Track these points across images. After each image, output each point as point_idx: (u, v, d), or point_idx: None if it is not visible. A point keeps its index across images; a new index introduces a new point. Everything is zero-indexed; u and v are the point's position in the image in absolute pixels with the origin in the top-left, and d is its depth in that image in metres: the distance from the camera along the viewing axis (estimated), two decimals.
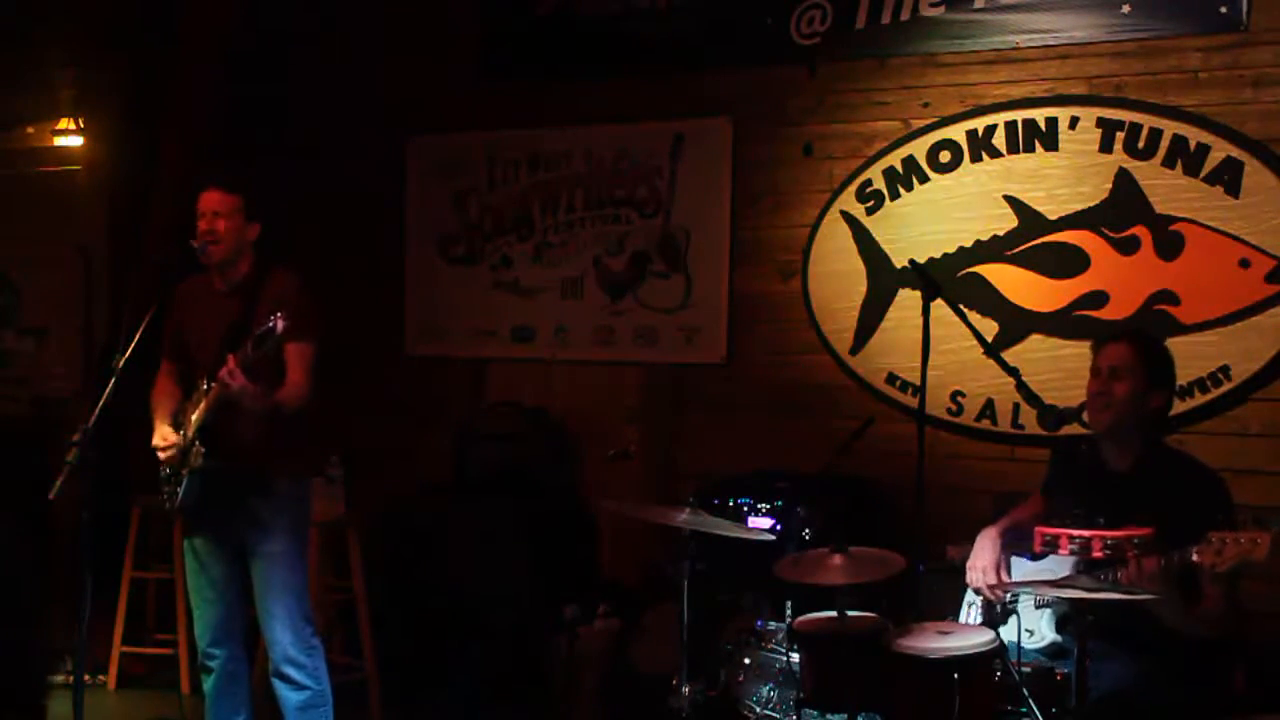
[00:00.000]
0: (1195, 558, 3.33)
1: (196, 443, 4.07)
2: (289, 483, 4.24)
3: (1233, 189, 4.66)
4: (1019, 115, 5.02)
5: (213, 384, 3.98)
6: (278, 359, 4.05)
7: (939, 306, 4.14)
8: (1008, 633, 3.77)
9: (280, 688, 4.25)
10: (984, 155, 5.08)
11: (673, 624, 4.20)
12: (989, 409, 5.06)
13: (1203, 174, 4.70)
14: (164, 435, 4.19)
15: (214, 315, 4.18)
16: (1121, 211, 4.84)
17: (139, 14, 6.04)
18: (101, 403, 3.84)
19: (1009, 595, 3.85)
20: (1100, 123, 4.87)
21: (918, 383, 4.09)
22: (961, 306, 4.31)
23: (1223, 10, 4.67)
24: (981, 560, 3.92)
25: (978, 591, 3.94)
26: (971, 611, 4.03)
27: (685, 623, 4.08)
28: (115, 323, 4.45)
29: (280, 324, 3.76)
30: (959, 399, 5.10)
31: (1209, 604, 3.52)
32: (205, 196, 4.20)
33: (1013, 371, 4.09)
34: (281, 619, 4.19)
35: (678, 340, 5.72)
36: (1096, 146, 4.88)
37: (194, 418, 4.09)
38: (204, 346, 4.15)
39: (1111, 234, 4.86)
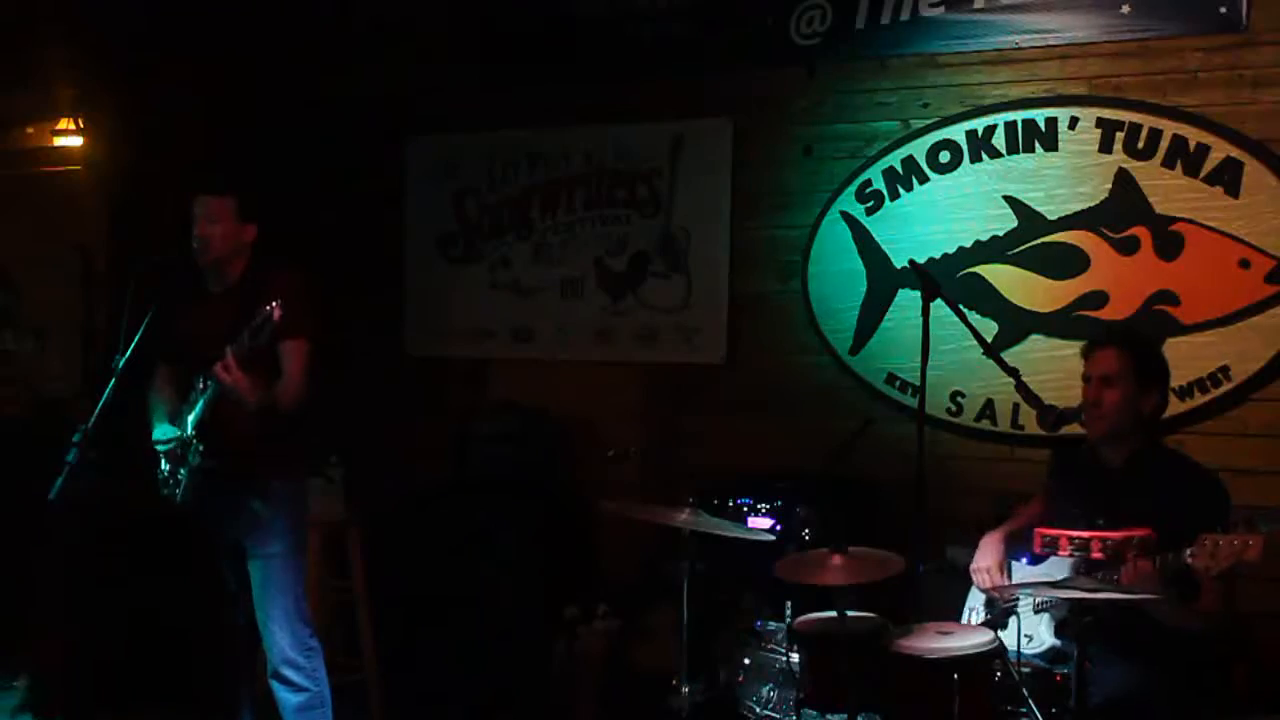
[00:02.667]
0: (1189, 560, 3.33)
1: (195, 441, 4.08)
2: (285, 483, 4.24)
3: (1233, 189, 4.66)
4: (1019, 115, 5.02)
5: (209, 381, 3.98)
6: (273, 356, 4.05)
7: (939, 306, 4.14)
8: (1007, 638, 3.77)
9: (278, 689, 4.25)
10: (984, 155, 5.08)
11: (673, 624, 4.20)
12: (989, 409, 5.06)
13: (1203, 174, 4.70)
14: (164, 433, 4.20)
15: (211, 316, 4.17)
16: (1121, 211, 4.84)
17: (139, 14, 6.04)
18: (101, 403, 3.84)
19: (1011, 597, 3.85)
20: (1100, 123, 4.87)
21: (918, 383, 4.10)
22: (961, 306, 4.31)
23: (1223, 10, 4.67)
24: (985, 561, 3.93)
25: (984, 591, 3.95)
26: (972, 616, 4.04)
27: (685, 623, 4.08)
28: (115, 323, 4.45)
29: (277, 312, 3.76)
30: (959, 399, 5.10)
31: (1207, 604, 3.53)
32: (196, 201, 4.20)
33: (1013, 372, 4.09)
34: (279, 620, 4.19)
35: (678, 340, 5.71)
36: (1096, 147, 4.87)
37: (190, 417, 4.09)
38: (202, 347, 4.14)
39: (1111, 234, 4.86)
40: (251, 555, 4.20)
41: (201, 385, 4.04)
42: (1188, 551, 3.33)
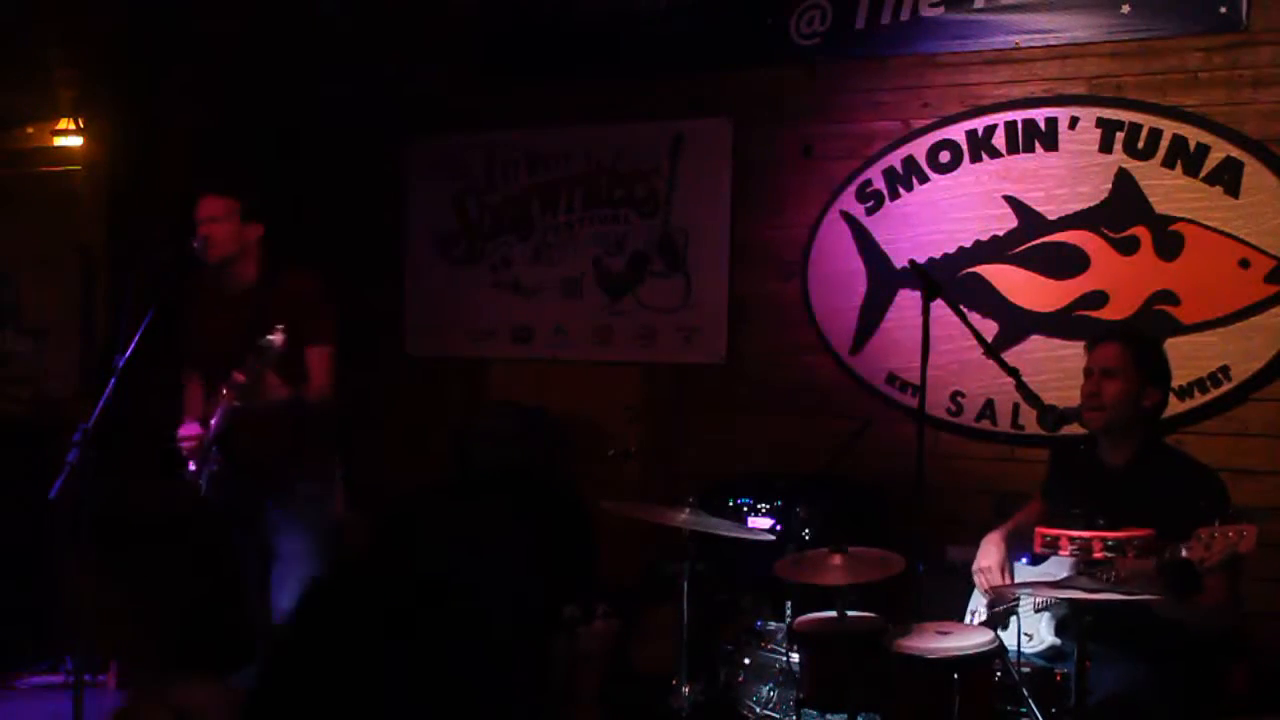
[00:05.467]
0: (1185, 553, 3.34)
1: (214, 449, 4.10)
2: (308, 484, 4.25)
3: (1233, 189, 4.66)
4: (1019, 115, 5.02)
5: (228, 392, 4.00)
6: (298, 363, 4.07)
7: (939, 306, 4.14)
8: (1006, 637, 3.77)
9: None
10: (984, 155, 5.08)
11: (673, 624, 4.20)
12: (989, 409, 5.05)
13: (1203, 174, 4.70)
14: (190, 429, 4.21)
15: (225, 319, 4.19)
16: (1121, 211, 4.84)
17: (138, 14, 6.04)
18: (101, 403, 3.85)
19: (1014, 597, 3.85)
20: (1100, 123, 4.87)
21: (918, 383, 4.09)
22: (961, 306, 4.31)
23: (1223, 10, 4.67)
24: (988, 560, 3.92)
25: (986, 593, 3.94)
26: (975, 619, 4.03)
27: (685, 623, 4.08)
28: (115, 323, 4.45)
29: (279, 338, 3.80)
30: (959, 399, 5.10)
31: (1210, 598, 3.53)
32: (201, 203, 4.22)
33: (1013, 372, 4.09)
34: None
35: (678, 340, 5.71)
36: (1096, 146, 4.88)
37: (213, 422, 4.11)
38: (218, 351, 4.16)
39: (1111, 234, 4.86)
40: (273, 552, 4.21)
41: (224, 393, 4.05)
42: (1183, 545, 3.34)
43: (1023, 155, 5.01)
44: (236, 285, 4.24)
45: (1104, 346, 3.83)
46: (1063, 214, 4.94)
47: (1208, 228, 4.69)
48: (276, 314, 4.02)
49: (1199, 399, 4.68)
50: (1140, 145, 4.80)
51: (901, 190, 5.25)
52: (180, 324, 4.21)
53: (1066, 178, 4.93)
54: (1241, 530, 3.26)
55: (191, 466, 4.23)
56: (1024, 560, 3.96)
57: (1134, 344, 3.84)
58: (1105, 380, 3.77)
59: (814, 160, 5.43)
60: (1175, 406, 4.57)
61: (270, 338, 3.79)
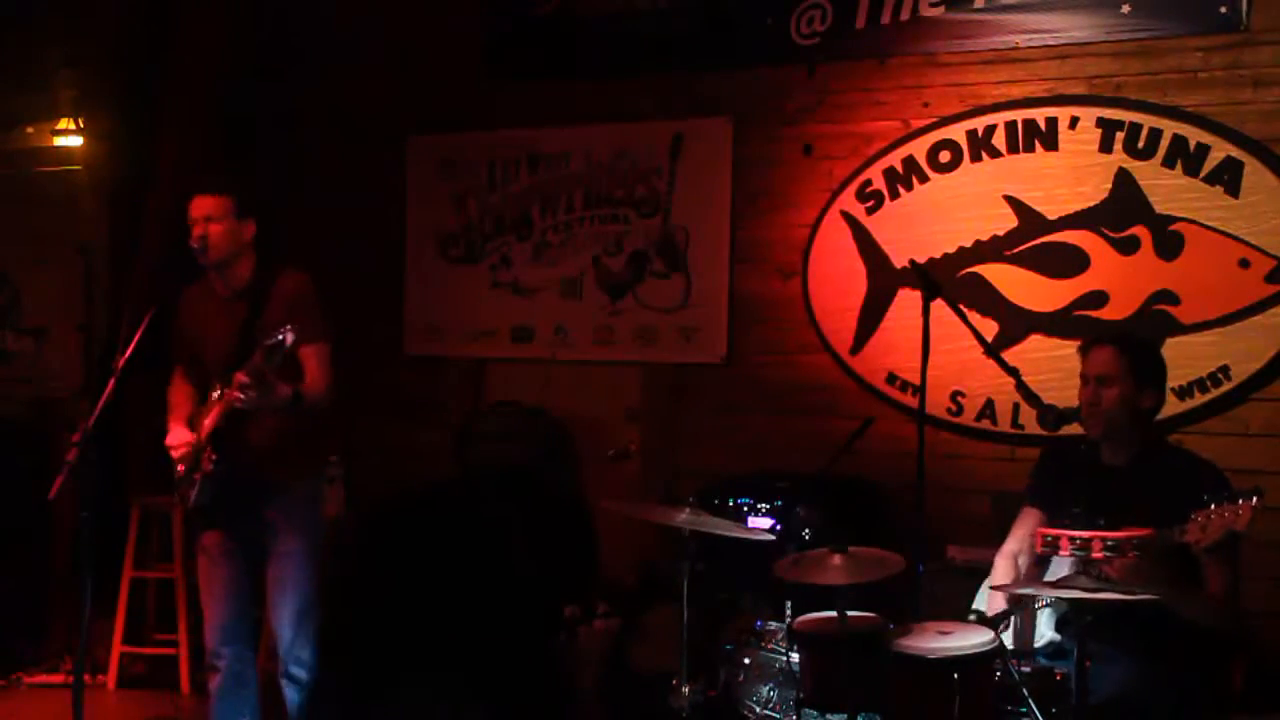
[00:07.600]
0: (1181, 537, 3.33)
1: (208, 448, 4.09)
2: (302, 483, 4.24)
3: (1233, 189, 4.66)
4: (1019, 115, 5.02)
5: (225, 391, 3.98)
6: (294, 363, 4.07)
7: (939, 306, 4.14)
8: (1007, 636, 3.76)
9: (287, 689, 4.24)
10: (984, 155, 5.08)
11: (673, 624, 4.20)
12: (989, 409, 5.06)
13: (1203, 174, 4.70)
14: (178, 436, 4.19)
15: (222, 320, 4.18)
16: (1121, 211, 4.84)
17: (138, 14, 6.04)
18: (101, 403, 3.84)
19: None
20: (1100, 123, 4.87)
21: (918, 383, 4.10)
22: (961, 306, 4.31)
23: (1223, 10, 4.68)
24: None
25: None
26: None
27: (685, 623, 4.08)
28: (115, 323, 4.45)
29: (289, 337, 3.78)
30: (959, 399, 5.10)
31: (1209, 587, 3.52)
32: (194, 203, 4.20)
33: (1013, 371, 4.09)
34: (290, 619, 4.18)
35: (678, 340, 5.72)
36: (1096, 146, 4.88)
37: (206, 423, 4.10)
38: (215, 352, 4.15)
39: (1111, 234, 4.86)
40: (267, 553, 4.20)
41: (219, 393, 4.04)
42: (1179, 530, 3.34)
43: (1023, 155, 5.01)
44: (232, 286, 4.23)
45: (1097, 352, 3.81)
46: (1063, 214, 4.94)
47: (1208, 227, 4.70)
48: (272, 314, 4.01)
49: (1199, 399, 4.68)
50: (1140, 145, 4.81)
51: (902, 190, 5.25)
52: (172, 327, 4.19)
53: (1066, 178, 4.93)
54: (1236, 509, 3.26)
55: (181, 470, 4.22)
56: None
57: (1127, 348, 3.82)
58: (1101, 388, 3.76)
59: (814, 160, 5.43)
60: (1175, 406, 4.58)
61: (280, 337, 3.77)
